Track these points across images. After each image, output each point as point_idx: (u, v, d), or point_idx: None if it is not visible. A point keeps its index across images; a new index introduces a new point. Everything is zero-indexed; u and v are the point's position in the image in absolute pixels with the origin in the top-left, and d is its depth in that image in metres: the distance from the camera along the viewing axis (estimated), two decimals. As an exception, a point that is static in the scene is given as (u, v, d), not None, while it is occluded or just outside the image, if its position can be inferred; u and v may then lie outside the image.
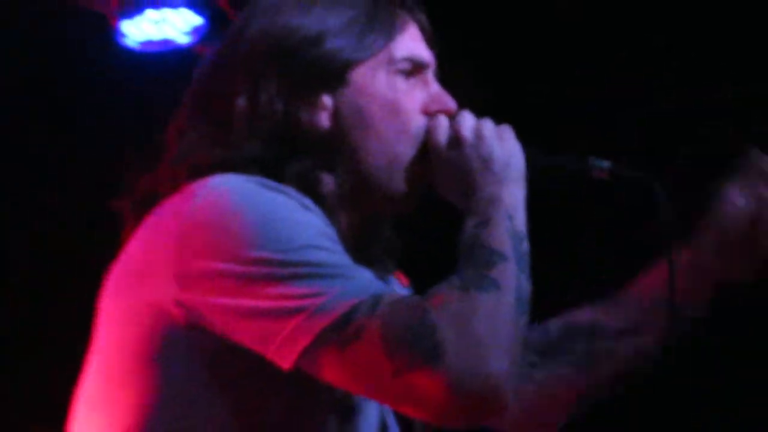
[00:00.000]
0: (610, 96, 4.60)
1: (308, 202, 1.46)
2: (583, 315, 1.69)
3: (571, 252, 4.18)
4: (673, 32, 4.45)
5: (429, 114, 1.55)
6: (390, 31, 1.53)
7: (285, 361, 1.40)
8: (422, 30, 1.57)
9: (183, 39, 3.62)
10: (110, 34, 3.54)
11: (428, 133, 1.53)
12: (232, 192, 1.43)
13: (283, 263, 1.39)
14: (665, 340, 1.64)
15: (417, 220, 1.58)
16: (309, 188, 1.48)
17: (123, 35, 3.58)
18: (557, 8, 4.45)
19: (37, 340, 3.89)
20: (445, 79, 1.57)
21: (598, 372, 1.67)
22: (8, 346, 3.49)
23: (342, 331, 1.37)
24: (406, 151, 1.53)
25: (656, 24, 4.50)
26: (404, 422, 1.55)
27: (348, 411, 1.51)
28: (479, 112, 1.54)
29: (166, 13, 3.60)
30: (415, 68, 1.55)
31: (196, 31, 3.62)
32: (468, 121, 1.52)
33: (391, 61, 1.53)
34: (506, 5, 4.26)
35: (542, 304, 1.49)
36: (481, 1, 4.28)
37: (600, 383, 1.68)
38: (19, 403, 3.46)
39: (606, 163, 1.55)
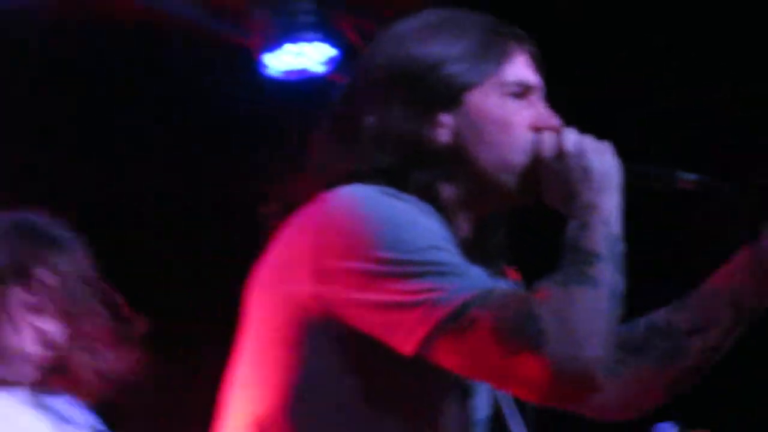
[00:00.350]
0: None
1: (428, 208, 1.73)
2: (661, 315, 1.92)
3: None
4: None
5: (537, 130, 1.81)
6: (501, 59, 1.80)
7: (407, 349, 1.66)
8: (530, 57, 1.86)
9: (319, 68, 4.15)
10: (255, 65, 4.01)
11: (536, 147, 1.80)
12: (360, 199, 1.70)
13: (406, 262, 1.65)
14: (730, 334, 1.88)
15: (527, 224, 1.89)
16: (429, 196, 1.75)
17: (265, 66, 4.13)
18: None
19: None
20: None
21: (675, 368, 1.89)
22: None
23: (457, 321, 1.62)
24: (517, 162, 1.79)
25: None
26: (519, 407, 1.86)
27: (463, 393, 1.78)
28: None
29: (303, 46, 4.05)
30: (523, 91, 1.82)
31: (330, 61, 4.06)
32: (571, 137, 1.80)
33: (502, 84, 1.80)
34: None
35: (634, 302, 1.80)
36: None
37: (678, 377, 1.90)
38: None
39: (693, 176, 1.82)
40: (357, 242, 1.67)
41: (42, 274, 2.55)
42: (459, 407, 1.79)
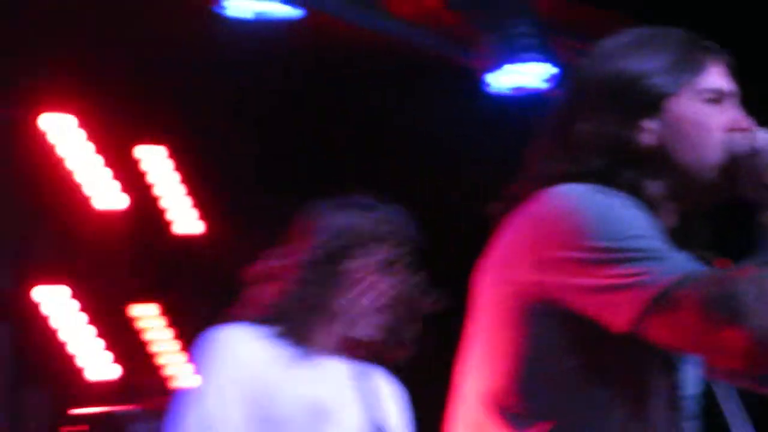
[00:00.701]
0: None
1: (635, 202, 1.90)
2: None
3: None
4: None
5: (731, 131, 1.98)
6: (696, 69, 1.97)
7: (620, 327, 1.83)
8: (724, 66, 2.01)
9: (540, 85, 4.48)
10: (478, 84, 4.34)
11: (730, 147, 1.96)
12: (574, 196, 1.89)
13: (616, 250, 1.83)
14: None
15: (726, 215, 2.05)
16: (636, 192, 1.93)
17: (488, 84, 4.49)
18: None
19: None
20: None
21: None
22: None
23: (664, 300, 1.79)
24: (714, 160, 1.96)
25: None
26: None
27: (670, 368, 1.95)
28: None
29: (523, 66, 4.38)
30: (717, 97, 1.99)
31: (552, 78, 4.37)
32: (762, 136, 1.96)
33: (698, 92, 1.97)
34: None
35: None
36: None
37: None
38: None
39: None
40: (572, 234, 1.86)
41: (374, 248, 2.75)
42: (666, 381, 1.95)
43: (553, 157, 1.98)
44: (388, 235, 2.76)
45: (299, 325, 2.73)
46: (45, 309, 5.69)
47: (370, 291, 2.75)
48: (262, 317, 2.77)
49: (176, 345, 6.04)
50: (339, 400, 2.75)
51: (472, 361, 1.98)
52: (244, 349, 2.70)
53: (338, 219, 2.80)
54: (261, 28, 4.35)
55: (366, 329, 2.75)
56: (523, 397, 1.91)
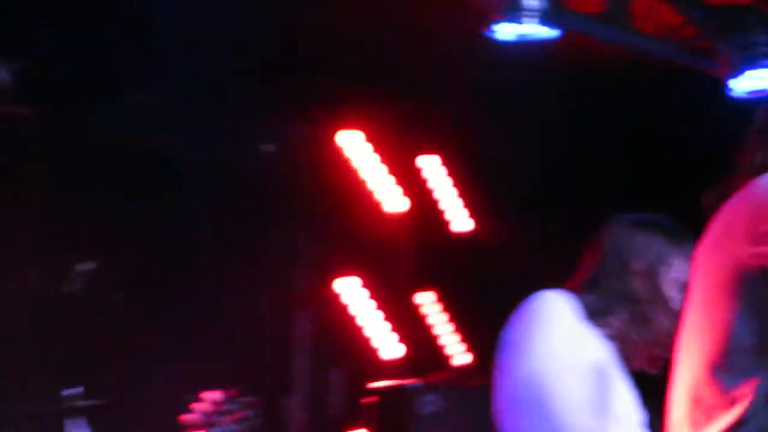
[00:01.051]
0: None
1: None
2: None
3: None
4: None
5: None
6: None
7: None
8: None
9: None
10: (722, 88, 4.68)
11: None
12: None
13: None
14: None
15: None
16: None
17: (731, 89, 4.73)
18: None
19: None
20: None
21: None
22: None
23: None
24: None
25: None
26: None
27: None
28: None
29: (760, 71, 4.66)
30: None
31: None
32: None
33: None
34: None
35: None
36: None
37: None
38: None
39: None
40: None
41: (679, 263, 2.87)
42: None
43: (763, 152, 2.17)
44: (686, 253, 2.83)
45: (600, 309, 2.89)
46: (344, 298, 6.18)
47: (669, 307, 2.87)
48: (575, 290, 2.92)
49: (451, 327, 6.54)
50: (617, 373, 2.87)
51: (690, 330, 2.14)
52: (557, 312, 2.88)
53: (641, 237, 2.92)
54: (524, 48, 4.57)
55: (659, 344, 2.85)
56: (733, 357, 2.04)
